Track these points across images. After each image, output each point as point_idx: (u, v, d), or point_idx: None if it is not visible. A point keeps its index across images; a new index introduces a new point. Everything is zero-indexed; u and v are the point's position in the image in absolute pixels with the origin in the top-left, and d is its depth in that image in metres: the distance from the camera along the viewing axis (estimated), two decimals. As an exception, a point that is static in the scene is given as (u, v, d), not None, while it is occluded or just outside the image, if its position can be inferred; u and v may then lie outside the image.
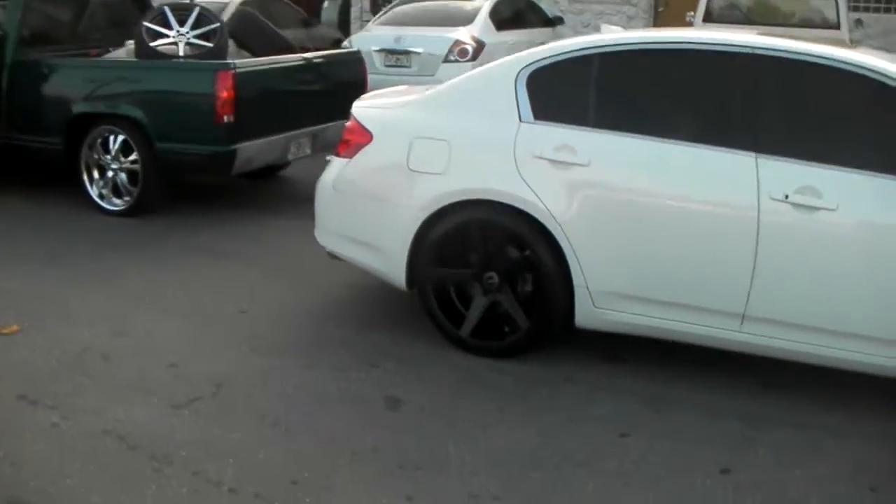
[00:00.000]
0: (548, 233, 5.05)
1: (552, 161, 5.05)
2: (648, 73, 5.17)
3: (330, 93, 8.43)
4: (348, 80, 8.79)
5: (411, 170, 5.31)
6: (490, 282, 5.23)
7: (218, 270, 6.57)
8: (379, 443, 4.30)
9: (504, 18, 12.71)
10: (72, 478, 3.90)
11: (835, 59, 4.84)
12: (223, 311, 5.80)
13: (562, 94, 5.22)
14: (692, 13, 13.26)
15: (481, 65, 10.99)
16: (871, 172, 4.67)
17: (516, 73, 5.28)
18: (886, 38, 15.32)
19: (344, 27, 17.45)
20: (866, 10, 16.39)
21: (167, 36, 7.93)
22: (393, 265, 5.42)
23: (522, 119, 5.17)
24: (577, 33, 16.25)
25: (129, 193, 7.75)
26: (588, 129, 5.06)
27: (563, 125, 5.11)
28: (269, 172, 9.04)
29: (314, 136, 8.35)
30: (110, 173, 7.80)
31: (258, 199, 8.71)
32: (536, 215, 5.04)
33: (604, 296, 5.02)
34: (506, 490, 3.96)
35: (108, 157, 7.76)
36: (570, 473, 4.12)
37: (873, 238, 4.66)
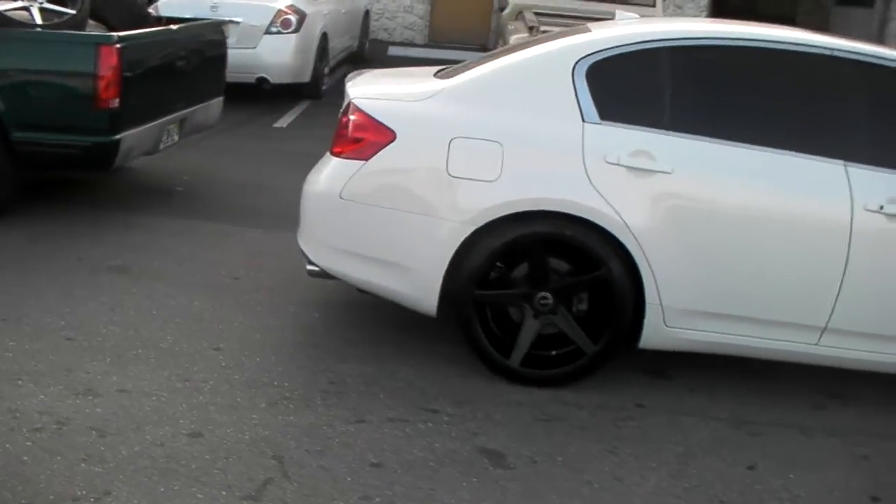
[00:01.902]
0: (621, 246, 4.46)
1: (629, 168, 4.45)
2: (730, 72, 4.69)
3: (198, 71, 7.31)
4: (212, 55, 7.68)
5: (452, 176, 4.54)
6: (544, 303, 4.58)
7: (144, 293, 5.39)
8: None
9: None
10: None
11: None
12: (191, 349, 4.73)
13: (630, 91, 4.65)
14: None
15: (304, 36, 10.21)
16: None
17: (572, 64, 4.64)
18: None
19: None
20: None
21: (15, -3, 6.48)
22: (422, 287, 4.63)
23: (586, 119, 4.53)
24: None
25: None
26: (665, 132, 4.53)
27: (637, 127, 4.54)
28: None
29: (183, 120, 7.21)
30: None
31: (112, 195, 7.35)
32: (610, 228, 4.47)
33: (678, 313, 4.56)
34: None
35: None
36: None
37: None
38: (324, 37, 11.50)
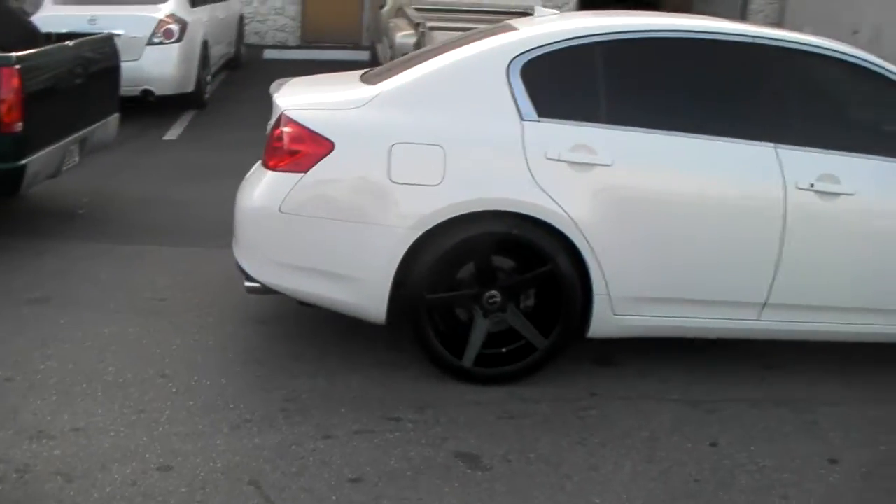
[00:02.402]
0: (567, 241, 4.51)
1: (571, 163, 4.50)
2: (661, 63, 4.79)
3: (95, 88, 7.10)
4: (107, 71, 7.45)
5: (395, 182, 4.51)
6: (493, 301, 4.60)
7: (73, 324, 5.18)
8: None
9: (193, -8, 11.55)
10: None
11: (842, 52, 4.91)
12: (137, 378, 4.57)
13: (566, 87, 4.70)
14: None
15: (187, 45, 9.99)
16: (877, 157, 4.82)
17: (507, 63, 4.66)
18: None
19: None
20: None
21: None
22: (370, 296, 4.60)
23: (525, 117, 4.56)
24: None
25: None
26: (603, 125, 4.60)
27: (575, 122, 4.59)
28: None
29: (83, 140, 7.00)
30: None
31: (16, 222, 7.01)
32: (555, 223, 4.51)
33: (625, 301, 4.64)
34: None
35: None
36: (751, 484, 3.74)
37: (887, 221, 4.80)
38: (205, 45, 11.29)
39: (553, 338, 4.65)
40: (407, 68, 4.92)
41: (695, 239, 4.63)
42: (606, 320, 4.67)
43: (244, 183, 4.93)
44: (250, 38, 15.77)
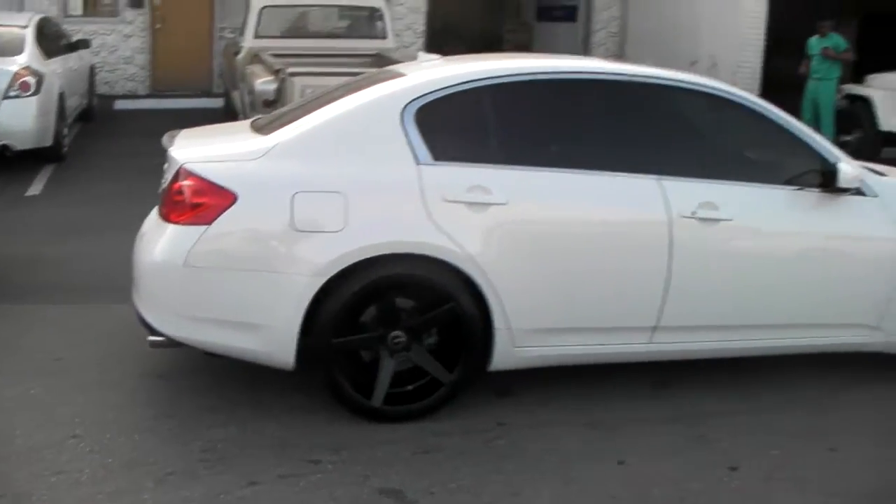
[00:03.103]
0: (467, 279, 4.71)
1: (468, 203, 4.71)
2: (548, 103, 5.06)
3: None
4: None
5: (298, 231, 4.62)
6: (398, 341, 4.75)
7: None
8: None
9: (47, 45, 11.34)
10: None
11: (713, 87, 5.32)
12: (48, 441, 4.51)
13: (459, 130, 4.91)
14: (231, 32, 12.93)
15: (44, 97, 9.86)
16: (756, 184, 5.19)
17: (401, 109, 4.83)
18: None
19: None
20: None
21: None
22: (278, 343, 4.69)
23: (421, 161, 4.74)
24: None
25: None
26: (496, 166, 4.82)
27: (469, 164, 4.80)
28: None
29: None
30: None
31: None
32: (455, 262, 4.70)
33: (524, 334, 4.87)
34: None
35: None
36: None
37: (764, 240, 5.18)
38: (61, 96, 11.11)
39: (457, 373, 4.81)
40: (299, 117, 5.03)
41: (588, 270, 4.88)
42: (508, 353, 4.86)
43: (141, 237, 4.94)
44: (100, 89, 15.55)
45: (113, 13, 17.34)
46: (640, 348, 5.08)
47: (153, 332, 4.78)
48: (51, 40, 11.81)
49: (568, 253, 4.83)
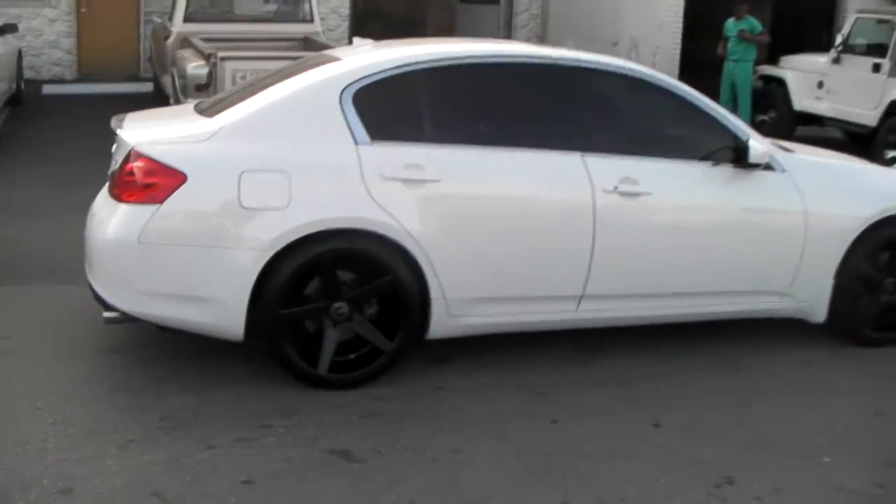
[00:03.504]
0: (405, 252, 5.01)
1: (404, 181, 5.01)
2: (479, 86, 5.37)
3: None
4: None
5: (245, 208, 4.89)
6: (340, 312, 5.05)
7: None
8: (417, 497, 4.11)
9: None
10: None
11: (633, 69, 5.69)
12: (11, 414, 4.72)
13: (394, 111, 5.20)
14: (158, 17, 13.03)
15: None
16: (674, 160, 5.57)
17: (339, 92, 5.11)
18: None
19: None
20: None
21: None
22: (228, 316, 4.95)
23: (359, 141, 5.03)
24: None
25: None
26: (430, 144, 5.13)
27: (404, 143, 5.10)
28: None
29: None
30: None
31: None
32: (393, 236, 4.99)
33: (459, 303, 5.18)
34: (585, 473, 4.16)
35: None
36: (595, 456, 4.47)
37: (682, 213, 5.57)
38: (-10, 82, 11.14)
39: (397, 341, 5.11)
40: (242, 99, 5.28)
41: (517, 242, 5.21)
42: (444, 322, 5.18)
43: (92, 216, 5.15)
44: (26, 74, 15.49)
45: (38, -3, 17.27)
46: (568, 316, 5.42)
47: (108, 307, 5.00)
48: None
49: (498, 226, 5.16)
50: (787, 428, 4.94)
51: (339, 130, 5.00)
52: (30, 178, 9.86)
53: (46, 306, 6.04)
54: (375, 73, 5.17)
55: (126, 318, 5.01)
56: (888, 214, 5.96)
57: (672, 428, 4.86)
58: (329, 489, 4.11)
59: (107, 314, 5.03)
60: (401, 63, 5.24)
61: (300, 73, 5.43)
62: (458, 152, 5.13)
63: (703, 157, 5.66)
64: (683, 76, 16.10)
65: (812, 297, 5.90)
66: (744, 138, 5.61)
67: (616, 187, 5.29)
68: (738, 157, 5.61)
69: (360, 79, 5.13)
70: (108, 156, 5.46)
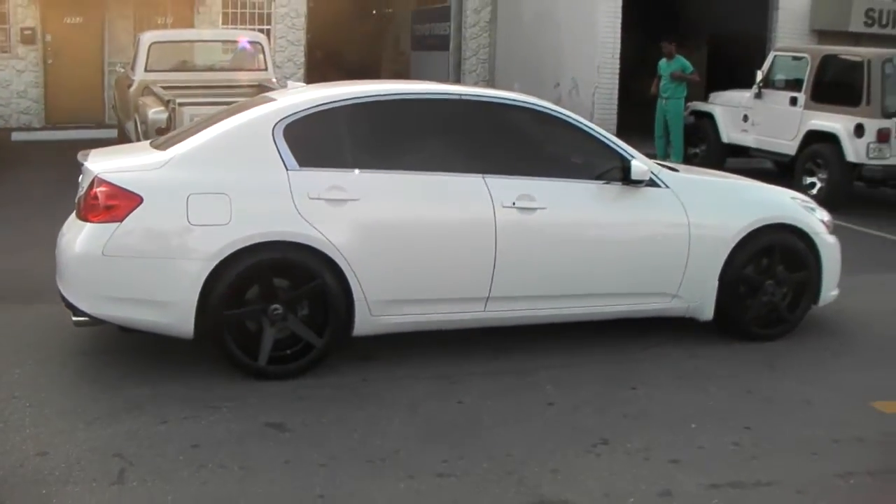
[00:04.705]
0: (330, 260, 5.88)
1: (328, 200, 5.89)
2: (391, 119, 6.27)
3: None
4: None
5: (193, 224, 5.73)
6: (276, 313, 5.89)
7: None
8: (337, 454, 4.95)
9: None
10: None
11: (529, 102, 6.58)
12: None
13: (319, 142, 6.07)
14: (122, 66, 13.85)
15: None
16: (567, 179, 6.47)
17: (271, 127, 5.98)
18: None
19: None
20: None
21: None
22: (179, 317, 5.77)
23: (289, 168, 5.90)
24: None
25: None
26: (350, 170, 6.00)
27: (327, 169, 5.98)
28: None
29: None
30: None
31: None
32: (319, 247, 5.84)
33: (379, 304, 6.03)
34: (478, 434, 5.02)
35: None
36: (495, 422, 5.34)
37: (574, 224, 6.44)
38: (-36, 129, 11.96)
39: (326, 337, 5.96)
40: (191, 135, 6.16)
41: (428, 251, 6.08)
42: (366, 320, 6.04)
43: (62, 235, 5.98)
44: (-4, 122, 16.34)
45: (5, 49, 18.18)
46: (477, 315, 6.28)
47: (77, 312, 5.84)
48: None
49: (411, 237, 6.03)
50: (665, 404, 5.78)
51: (272, 158, 5.88)
52: (1, 217, 10.67)
53: (21, 320, 6.85)
54: (303, 110, 6.07)
55: (93, 321, 5.84)
56: (763, 224, 6.84)
57: (563, 406, 5.69)
58: (263, 451, 4.94)
59: (75, 318, 5.86)
60: (324, 101, 6.16)
61: (240, 111, 6.32)
62: (375, 175, 6.02)
63: (597, 177, 6.55)
64: (621, 113, 17.24)
65: (699, 298, 6.76)
66: (628, 158, 6.52)
67: (514, 203, 6.17)
68: (625, 175, 6.50)
69: (290, 115, 6.03)
70: (73, 197, 6.26)
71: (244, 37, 13.99)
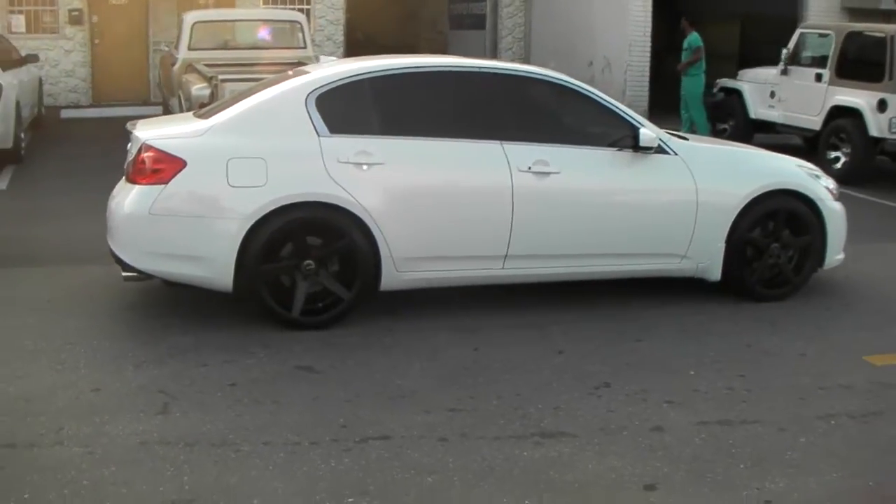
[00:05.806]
0: (358, 220, 6.38)
1: (356, 164, 6.39)
2: (415, 89, 6.74)
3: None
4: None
5: (232, 186, 6.25)
6: (309, 268, 6.40)
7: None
8: (360, 392, 5.46)
9: (1, 59, 12.85)
10: None
11: (543, 74, 7.03)
12: (51, 347, 6.01)
13: (349, 111, 6.56)
14: (166, 46, 14.45)
15: (5, 105, 11.29)
16: (580, 146, 6.88)
17: (304, 97, 6.48)
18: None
19: None
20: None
21: None
22: (220, 272, 6.28)
23: (320, 134, 6.40)
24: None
25: None
26: (377, 136, 6.49)
27: (356, 135, 6.46)
28: None
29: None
30: None
31: None
32: (348, 207, 6.33)
33: (404, 261, 6.51)
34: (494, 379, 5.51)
35: None
36: (502, 369, 5.79)
37: (587, 187, 6.85)
38: (18, 105, 12.59)
39: (354, 290, 6.46)
40: (231, 105, 6.69)
41: (449, 211, 6.55)
42: (392, 276, 6.53)
43: (113, 197, 6.54)
44: (46, 101, 16.97)
45: (54, 30, 18.85)
46: (495, 273, 6.76)
47: (126, 268, 6.39)
48: (4, 55, 13.29)
49: (433, 198, 6.51)
50: (667, 353, 6.22)
51: (305, 126, 6.39)
52: (51, 189, 11.31)
53: (75, 280, 7.42)
54: (333, 82, 6.57)
55: (140, 277, 6.39)
56: (768, 189, 7.23)
57: (571, 355, 6.14)
58: (294, 389, 5.47)
59: (125, 273, 6.42)
60: (353, 73, 6.65)
61: (277, 83, 6.83)
62: (400, 142, 6.51)
63: (609, 145, 6.99)
64: (653, 91, 17.57)
65: (707, 260, 7.17)
66: (637, 126, 6.96)
67: (530, 167, 6.64)
68: (635, 142, 6.94)
69: (322, 86, 6.53)
70: (120, 169, 6.79)
71: (265, 27, 14.46)
